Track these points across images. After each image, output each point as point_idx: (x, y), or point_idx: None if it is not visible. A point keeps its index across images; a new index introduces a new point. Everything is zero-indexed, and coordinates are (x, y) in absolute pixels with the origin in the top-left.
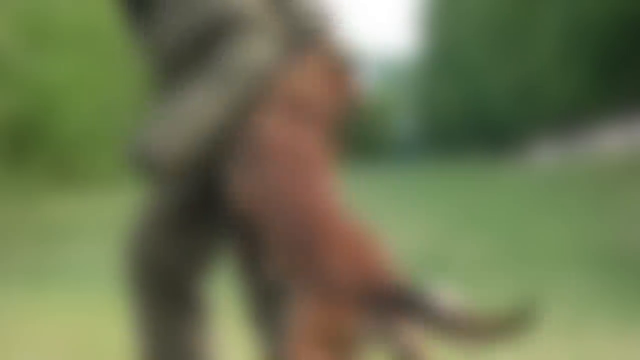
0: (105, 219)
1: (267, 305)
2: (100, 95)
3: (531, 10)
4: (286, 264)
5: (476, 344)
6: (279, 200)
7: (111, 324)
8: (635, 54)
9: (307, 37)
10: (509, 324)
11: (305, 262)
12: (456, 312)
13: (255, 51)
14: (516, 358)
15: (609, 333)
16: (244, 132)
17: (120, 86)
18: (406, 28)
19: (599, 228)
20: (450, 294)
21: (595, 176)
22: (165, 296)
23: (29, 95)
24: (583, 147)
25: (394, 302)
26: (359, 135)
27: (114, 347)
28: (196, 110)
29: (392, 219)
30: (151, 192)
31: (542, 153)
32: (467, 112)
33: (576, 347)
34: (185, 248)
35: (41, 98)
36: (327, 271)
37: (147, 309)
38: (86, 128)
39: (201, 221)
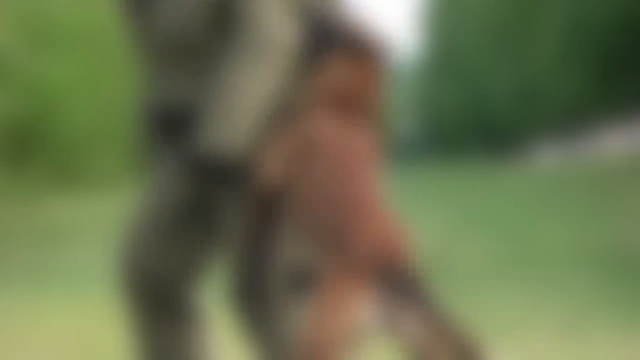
0: (106, 221)
1: (263, 309)
2: (102, 97)
3: (533, 12)
4: (314, 241)
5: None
6: (319, 190)
7: (111, 326)
8: (637, 56)
9: (327, 27)
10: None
11: (332, 239)
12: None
13: (276, 19)
14: (516, 358)
15: (610, 334)
16: (291, 125)
17: (122, 87)
18: (408, 30)
19: (600, 229)
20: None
21: (597, 178)
22: (159, 303)
23: (30, 96)
24: (584, 149)
25: (403, 285)
26: None
27: (114, 349)
28: (245, 92)
29: None
30: (142, 199)
31: (543, 154)
32: (468, 114)
33: (576, 348)
34: (178, 254)
35: (42, 99)
36: (351, 247)
37: (141, 316)
38: (87, 129)
39: (194, 227)
